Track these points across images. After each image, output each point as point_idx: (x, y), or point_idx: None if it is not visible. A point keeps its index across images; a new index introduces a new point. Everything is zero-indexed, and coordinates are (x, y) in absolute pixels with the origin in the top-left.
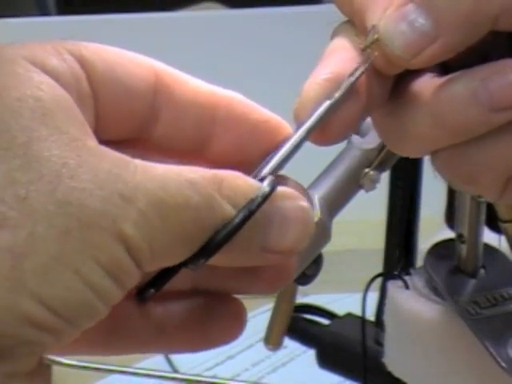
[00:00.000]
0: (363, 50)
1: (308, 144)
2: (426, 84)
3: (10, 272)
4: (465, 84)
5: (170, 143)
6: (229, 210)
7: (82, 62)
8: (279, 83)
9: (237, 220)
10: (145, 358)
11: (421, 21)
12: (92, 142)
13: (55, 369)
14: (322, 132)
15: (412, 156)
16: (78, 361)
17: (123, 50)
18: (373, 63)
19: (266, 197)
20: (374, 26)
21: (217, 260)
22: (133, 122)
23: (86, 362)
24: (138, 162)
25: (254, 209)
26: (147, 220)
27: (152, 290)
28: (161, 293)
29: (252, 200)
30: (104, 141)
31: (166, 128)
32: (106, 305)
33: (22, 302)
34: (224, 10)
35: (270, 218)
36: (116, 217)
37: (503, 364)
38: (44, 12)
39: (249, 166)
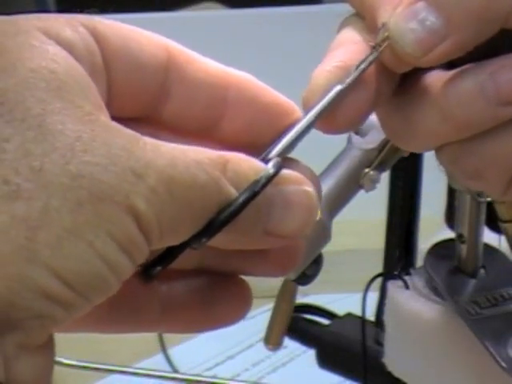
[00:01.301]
0: (373, 48)
1: (308, 144)
2: (433, 79)
3: (24, 243)
4: (473, 78)
5: (181, 122)
6: (232, 191)
7: (96, 35)
8: (279, 83)
9: (240, 200)
10: (145, 357)
11: (431, 19)
12: (104, 116)
13: (55, 369)
14: (330, 120)
15: (418, 151)
16: (77, 361)
17: (137, 28)
18: (382, 61)
19: (270, 179)
20: (384, 24)
21: (220, 242)
22: (144, 99)
23: (86, 362)
24: (147, 139)
25: (257, 190)
26: (157, 196)
27: (158, 268)
28: (166, 271)
29: (256, 181)
30: (114, 117)
31: (176, 107)
32: (118, 279)
33: (35, 274)
34: (224, 9)
35: (273, 201)
36: (129, 192)
37: (503, 364)
38: (43, 9)
39: (259, 148)
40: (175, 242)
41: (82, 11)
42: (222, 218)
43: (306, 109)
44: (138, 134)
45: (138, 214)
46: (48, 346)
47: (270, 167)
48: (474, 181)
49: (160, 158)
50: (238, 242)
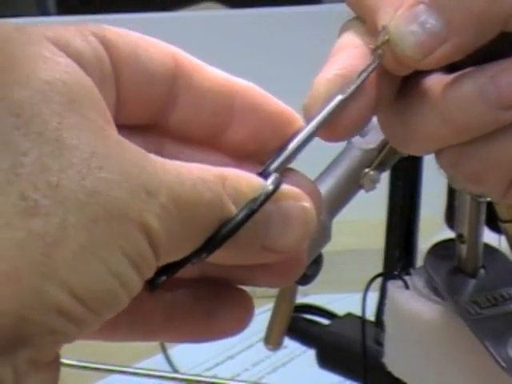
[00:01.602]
0: (374, 51)
1: (308, 144)
2: (433, 82)
3: (40, 259)
4: (473, 81)
5: (187, 130)
6: (232, 208)
7: (106, 43)
8: (279, 83)
9: (239, 217)
10: (145, 358)
11: (432, 21)
12: (114, 132)
13: None
14: (331, 128)
15: (417, 154)
16: (78, 361)
17: (144, 35)
18: (382, 64)
19: (269, 196)
20: (384, 27)
21: (219, 257)
22: (151, 106)
23: (86, 362)
24: (153, 156)
25: (255, 208)
26: (167, 213)
27: (163, 277)
28: (170, 279)
29: (254, 199)
30: (122, 125)
31: (183, 114)
32: (129, 295)
33: (51, 290)
34: (224, 9)
35: (271, 217)
36: (142, 209)
37: (503, 364)
38: (44, 12)
39: (263, 157)
40: (178, 257)
41: (81, 13)
42: (221, 234)
43: (307, 116)
44: (144, 151)
45: (149, 231)
46: (55, 362)
47: (268, 184)
48: (473, 184)
49: (169, 175)
50: (236, 258)
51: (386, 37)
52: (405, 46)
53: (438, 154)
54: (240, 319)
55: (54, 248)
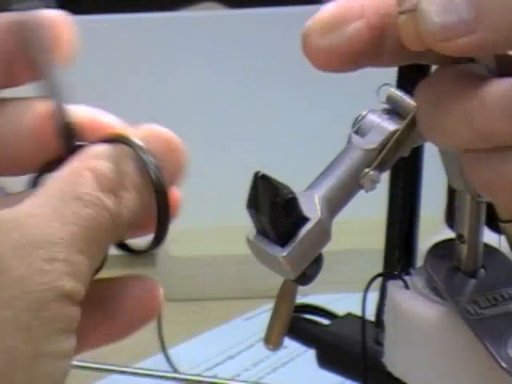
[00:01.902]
0: (398, 13)
1: (307, 144)
2: (468, 81)
3: None
4: (499, 93)
5: None
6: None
7: None
8: (279, 83)
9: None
10: (145, 357)
11: (464, 9)
12: None
13: None
14: (326, 57)
15: (438, 145)
16: (78, 361)
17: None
18: (400, 33)
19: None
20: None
21: None
22: None
23: (86, 361)
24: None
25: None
26: (76, 266)
27: None
28: None
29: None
30: None
31: None
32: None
33: None
34: (224, 9)
35: None
36: (53, 282)
37: (503, 364)
38: (46, 6)
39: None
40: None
41: (82, 13)
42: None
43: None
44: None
45: (69, 294)
46: None
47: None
48: (486, 193)
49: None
50: None
51: (416, 7)
52: (430, 22)
53: (462, 154)
54: (147, 307)
55: None
